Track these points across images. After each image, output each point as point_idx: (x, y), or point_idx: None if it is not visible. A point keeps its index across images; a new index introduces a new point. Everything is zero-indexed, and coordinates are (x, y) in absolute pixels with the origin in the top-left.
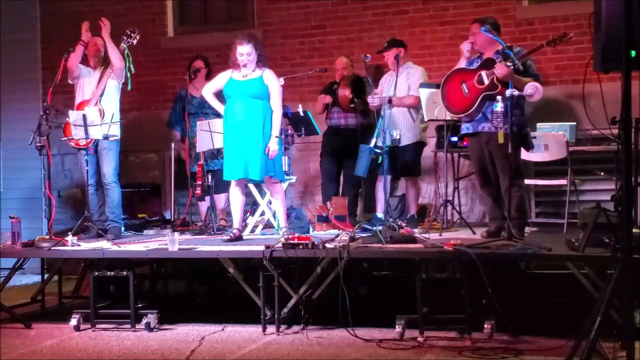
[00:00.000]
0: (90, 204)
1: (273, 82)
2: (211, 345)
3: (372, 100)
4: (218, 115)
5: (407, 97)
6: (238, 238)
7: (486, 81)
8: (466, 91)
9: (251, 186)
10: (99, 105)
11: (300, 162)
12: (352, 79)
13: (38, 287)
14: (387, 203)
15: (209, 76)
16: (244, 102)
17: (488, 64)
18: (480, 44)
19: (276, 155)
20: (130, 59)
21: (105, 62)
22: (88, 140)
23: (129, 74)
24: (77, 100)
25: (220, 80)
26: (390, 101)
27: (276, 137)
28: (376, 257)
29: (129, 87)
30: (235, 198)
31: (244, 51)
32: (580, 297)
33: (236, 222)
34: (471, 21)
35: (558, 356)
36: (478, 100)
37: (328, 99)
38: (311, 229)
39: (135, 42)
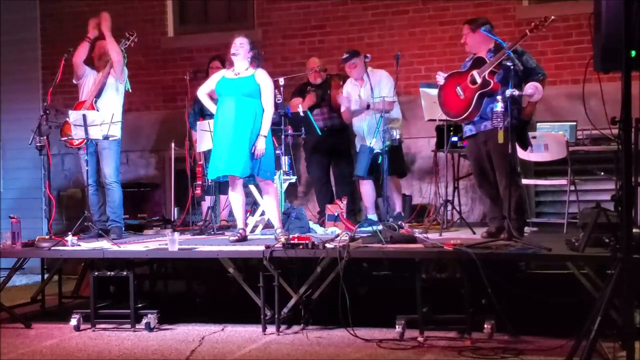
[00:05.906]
0: (90, 204)
1: (265, 81)
2: (211, 345)
3: (345, 103)
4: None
5: (380, 104)
6: (244, 238)
7: (478, 80)
8: (461, 93)
9: (251, 186)
10: (94, 105)
11: (300, 162)
12: (342, 79)
13: (38, 287)
14: (387, 203)
15: None
16: (235, 100)
17: (478, 63)
18: (471, 44)
19: (263, 155)
20: (126, 61)
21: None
22: (80, 140)
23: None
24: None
25: (213, 80)
26: (368, 106)
27: (264, 136)
28: (376, 257)
29: (128, 88)
30: (235, 199)
31: (238, 41)
32: (580, 297)
33: (240, 222)
34: (463, 22)
35: (558, 356)
36: (474, 100)
37: (306, 103)
38: (317, 227)
39: (132, 44)
